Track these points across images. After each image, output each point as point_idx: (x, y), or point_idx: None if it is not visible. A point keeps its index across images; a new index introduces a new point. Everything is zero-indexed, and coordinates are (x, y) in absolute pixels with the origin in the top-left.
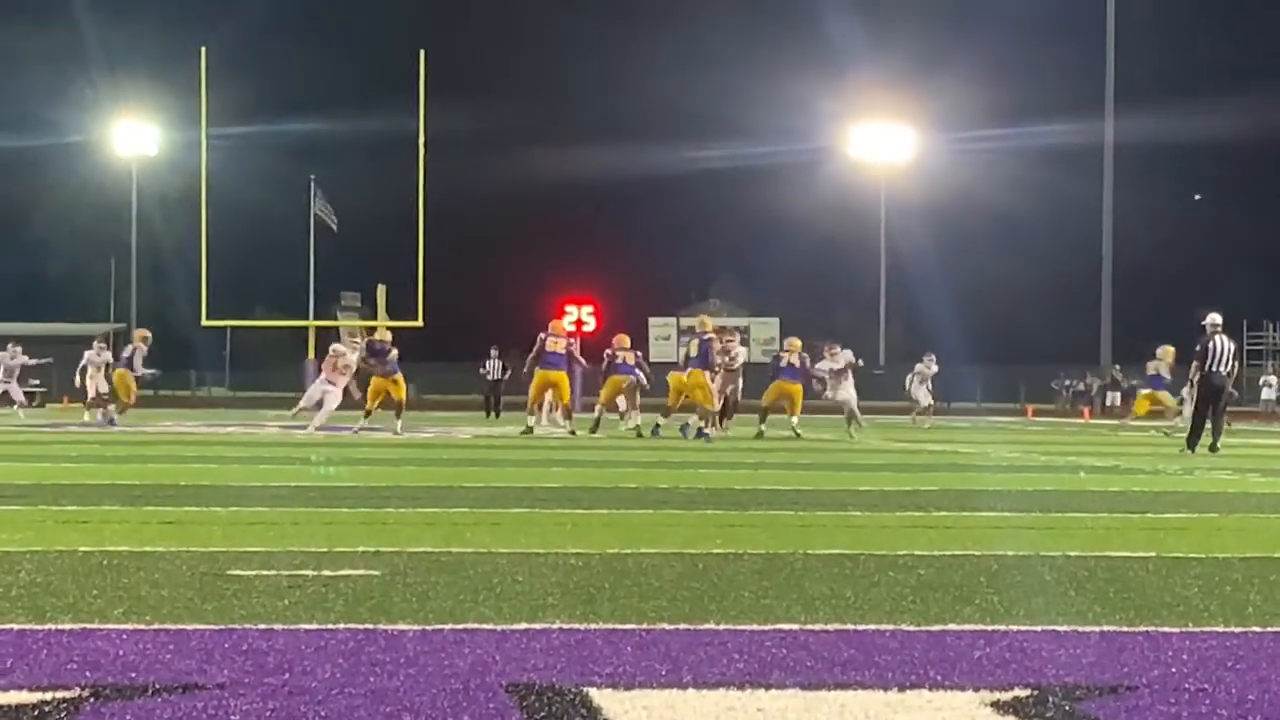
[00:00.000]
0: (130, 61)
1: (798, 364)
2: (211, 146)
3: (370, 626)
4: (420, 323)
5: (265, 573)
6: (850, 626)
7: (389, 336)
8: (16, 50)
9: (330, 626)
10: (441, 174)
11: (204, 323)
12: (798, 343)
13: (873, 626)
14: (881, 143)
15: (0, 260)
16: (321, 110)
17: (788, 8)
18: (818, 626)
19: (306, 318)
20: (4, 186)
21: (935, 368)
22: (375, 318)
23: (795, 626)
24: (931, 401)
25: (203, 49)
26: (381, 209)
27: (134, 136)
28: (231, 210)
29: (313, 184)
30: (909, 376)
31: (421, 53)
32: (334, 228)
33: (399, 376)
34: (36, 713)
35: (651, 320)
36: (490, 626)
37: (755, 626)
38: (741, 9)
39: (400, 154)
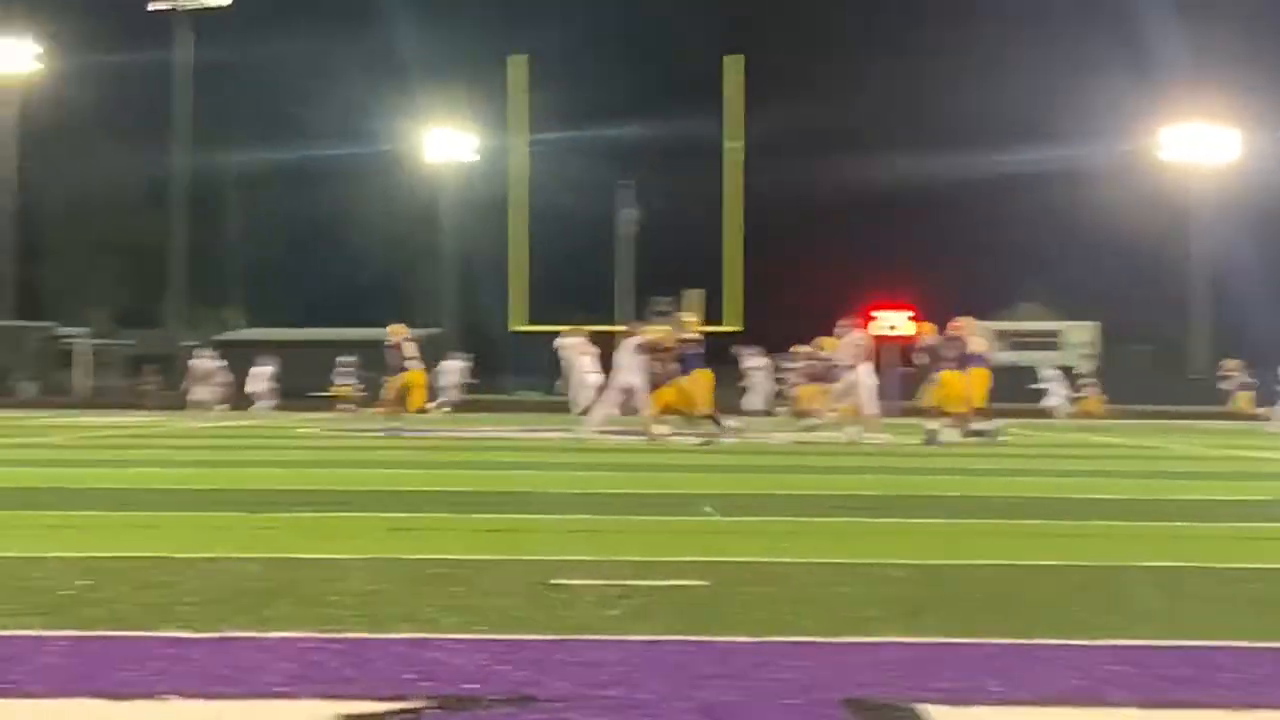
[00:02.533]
0: (444, 69)
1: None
2: (525, 153)
3: (701, 638)
4: (740, 326)
5: (594, 582)
6: (1184, 643)
7: (694, 334)
8: (333, 59)
9: (661, 638)
10: (756, 178)
11: (512, 327)
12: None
13: (1208, 643)
14: (1195, 143)
15: (321, 266)
16: (635, 115)
17: (1099, 8)
18: (1150, 642)
19: (619, 322)
20: (322, 194)
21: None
22: None
23: (1127, 642)
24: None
25: (517, 56)
26: (695, 213)
27: (447, 143)
28: (544, 215)
29: (625, 190)
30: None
31: (739, 58)
32: (630, 236)
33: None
34: None
35: None
36: (820, 639)
37: (1086, 642)
38: (1051, 12)
39: (714, 159)
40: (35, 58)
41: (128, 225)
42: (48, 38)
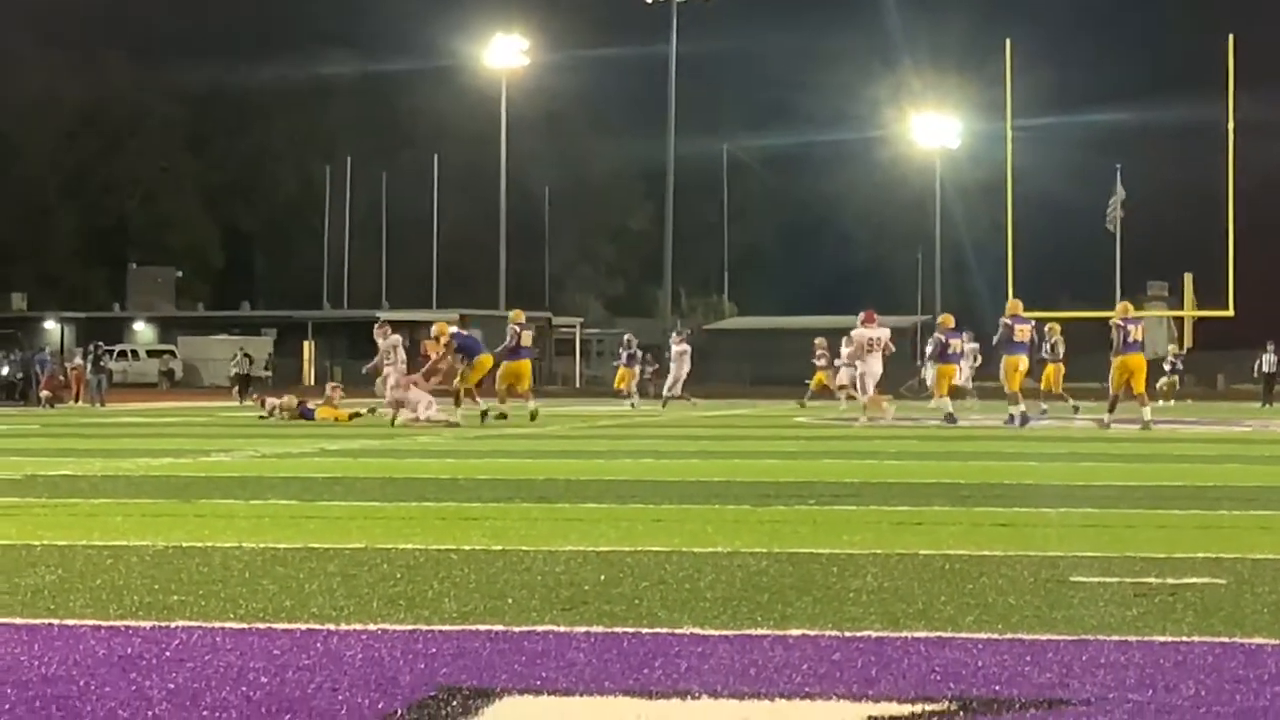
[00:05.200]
0: (934, 56)
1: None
2: (1015, 138)
3: (1227, 639)
4: (1230, 311)
5: (1108, 580)
6: None
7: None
8: (826, 48)
9: (1185, 639)
10: (1252, 159)
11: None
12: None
13: None
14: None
15: (812, 254)
16: (1126, 99)
17: None
18: None
19: (1112, 308)
20: (815, 181)
21: None
22: (1182, 307)
23: None
24: None
25: (1008, 41)
26: (1189, 195)
27: (936, 129)
28: (1034, 201)
29: (1118, 174)
30: None
31: (1230, 38)
32: (1112, 229)
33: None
34: None
35: None
36: None
37: None
38: None
39: (1207, 140)
40: (522, 52)
41: (618, 215)
42: (537, 32)
